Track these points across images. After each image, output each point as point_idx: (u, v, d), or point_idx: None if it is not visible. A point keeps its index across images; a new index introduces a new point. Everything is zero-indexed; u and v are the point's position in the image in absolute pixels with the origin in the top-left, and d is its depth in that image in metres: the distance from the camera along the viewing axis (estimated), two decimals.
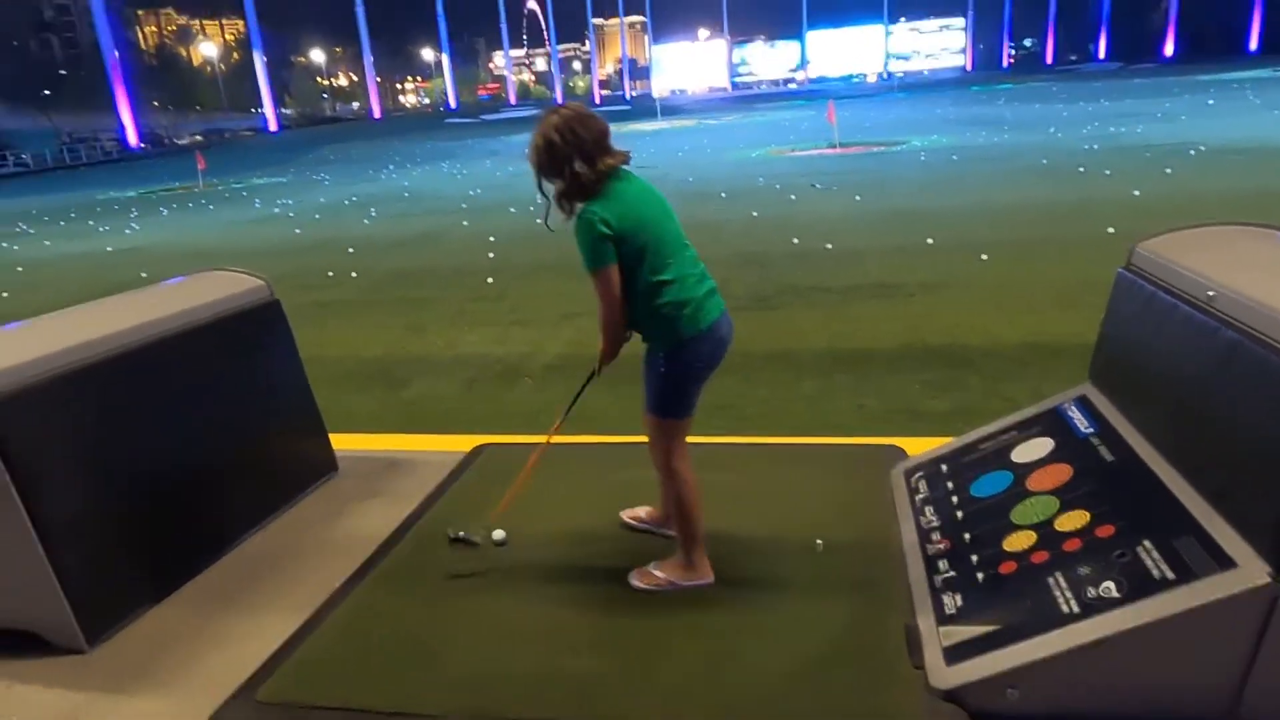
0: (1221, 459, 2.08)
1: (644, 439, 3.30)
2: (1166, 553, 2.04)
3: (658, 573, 2.66)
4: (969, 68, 73.23)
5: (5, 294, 9.57)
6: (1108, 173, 11.87)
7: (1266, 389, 1.94)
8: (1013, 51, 74.29)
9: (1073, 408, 2.93)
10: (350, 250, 10.39)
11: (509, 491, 2.94)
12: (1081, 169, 12.49)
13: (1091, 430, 2.73)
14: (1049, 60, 69.13)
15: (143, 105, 52.70)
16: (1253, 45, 56.28)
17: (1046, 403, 3.08)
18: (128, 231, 15.05)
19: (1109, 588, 2.05)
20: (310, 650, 2.48)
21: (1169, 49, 59.79)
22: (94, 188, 27.40)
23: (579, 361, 5.29)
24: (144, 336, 2.93)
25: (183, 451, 3.02)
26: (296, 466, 3.59)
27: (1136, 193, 9.83)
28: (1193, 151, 13.32)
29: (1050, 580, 2.19)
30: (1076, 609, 2.05)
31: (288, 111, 68.54)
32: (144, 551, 2.81)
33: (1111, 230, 7.74)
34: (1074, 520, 2.37)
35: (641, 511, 3.03)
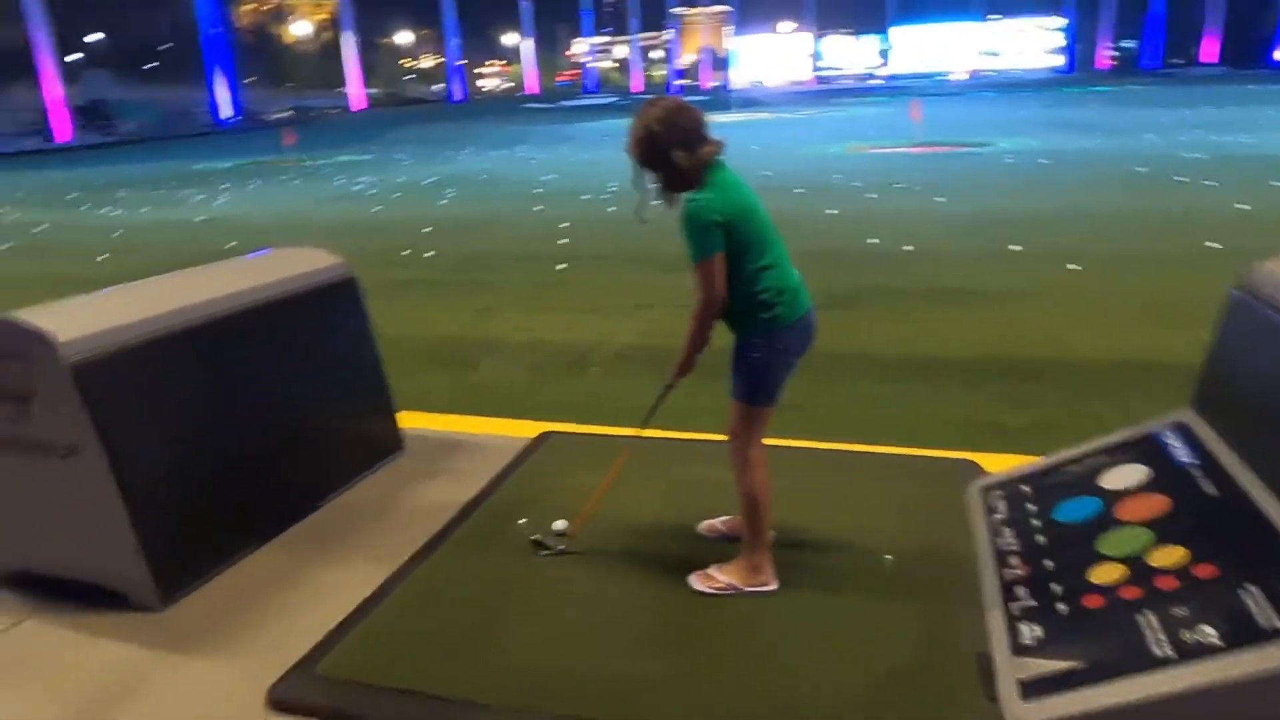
0: None
1: (717, 437, 3.25)
2: (1275, 600, 1.89)
3: (719, 575, 2.61)
4: (1063, 68, 70.48)
5: (104, 257, 10.02)
6: (1210, 184, 11.25)
7: None
8: (1112, 53, 71.12)
9: (1171, 435, 2.75)
10: (426, 230, 10.56)
11: (588, 502, 2.92)
12: (1182, 178, 11.86)
13: (1192, 461, 2.56)
14: (1150, 63, 65.99)
15: (238, 81, 54.65)
16: None
17: (1141, 427, 2.89)
18: (217, 202, 15.62)
19: (1208, 632, 1.90)
20: (371, 627, 2.51)
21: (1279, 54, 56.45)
22: (189, 158, 28.57)
23: (647, 353, 5.25)
24: (227, 307, 3.00)
25: (257, 421, 3.09)
26: (364, 442, 3.65)
27: (1243, 206, 9.28)
28: None
29: (1141, 619, 2.05)
30: (1171, 653, 1.91)
31: (372, 91, 70.18)
32: (218, 517, 2.89)
33: (1214, 245, 7.32)
34: (1170, 556, 2.22)
35: (719, 523, 2.97)
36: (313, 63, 70.01)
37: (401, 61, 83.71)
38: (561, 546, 2.87)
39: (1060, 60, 70.39)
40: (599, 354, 5.32)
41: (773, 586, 2.58)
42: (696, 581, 2.62)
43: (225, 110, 52.66)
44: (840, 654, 2.31)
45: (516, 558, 2.85)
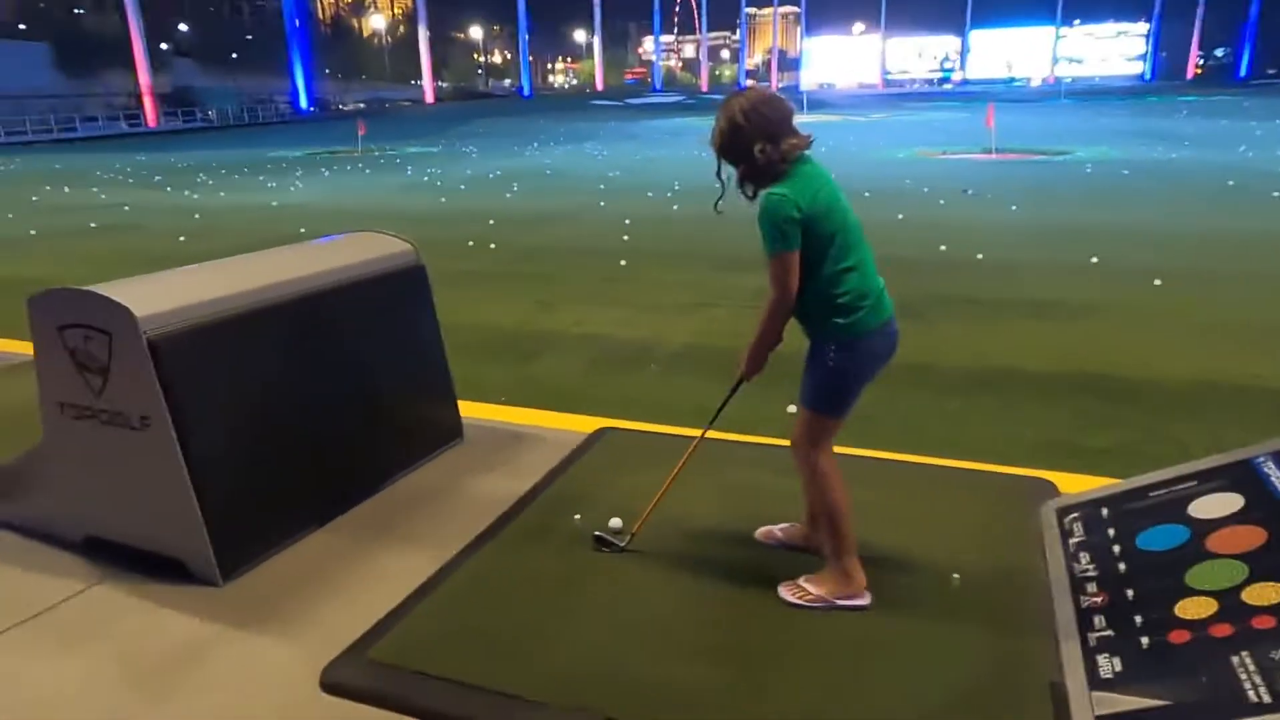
0: None
1: (779, 442, 3.17)
2: None
3: (811, 587, 2.50)
4: (1148, 76, 67.84)
5: (183, 237, 10.37)
6: None
7: None
8: (1201, 61, 68.17)
9: (1270, 463, 2.58)
10: (491, 222, 10.66)
11: (650, 503, 2.86)
12: (1278, 194, 11.27)
13: None
14: (1243, 72, 63.04)
15: (315, 72, 56.22)
16: None
17: (1236, 453, 2.72)
18: (292, 189, 16.05)
19: None
20: (424, 614, 2.50)
21: None
22: (266, 146, 29.47)
23: (706, 353, 5.18)
24: (299, 290, 3.04)
25: (324, 403, 3.12)
26: (426, 429, 3.67)
27: None
28: None
29: (1235, 659, 1.92)
30: (1267, 698, 1.78)
31: (443, 85, 71.41)
32: (282, 495, 2.93)
33: None
34: (1267, 593, 2.07)
35: (778, 530, 2.87)
36: (387, 56, 71.55)
37: (474, 55, 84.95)
38: (623, 544, 2.83)
39: (1140, 67, 67.83)
40: (658, 352, 5.27)
41: (865, 600, 2.46)
42: (786, 592, 2.52)
43: (303, 100, 54.16)
44: (905, 675, 2.21)
45: (570, 554, 2.82)
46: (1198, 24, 65.51)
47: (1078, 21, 69.96)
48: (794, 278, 2.30)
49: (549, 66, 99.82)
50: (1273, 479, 2.52)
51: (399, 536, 2.97)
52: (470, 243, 9.16)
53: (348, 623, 2.44)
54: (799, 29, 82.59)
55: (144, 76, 45.77)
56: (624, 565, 2.75)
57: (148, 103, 45.84)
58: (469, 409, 3.93)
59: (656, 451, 3.66)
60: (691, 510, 3.02)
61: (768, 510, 2.99)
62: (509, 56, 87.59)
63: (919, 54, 77.71)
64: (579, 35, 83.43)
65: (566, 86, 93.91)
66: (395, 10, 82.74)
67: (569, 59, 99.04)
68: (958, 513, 3.03)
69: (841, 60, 78.12)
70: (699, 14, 78.93)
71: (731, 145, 2.32)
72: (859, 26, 79.08)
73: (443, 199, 13.77)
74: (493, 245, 9.01)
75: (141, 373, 2.52)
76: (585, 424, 4.00)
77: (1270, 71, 60.72)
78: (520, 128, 35.32)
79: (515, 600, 2.58)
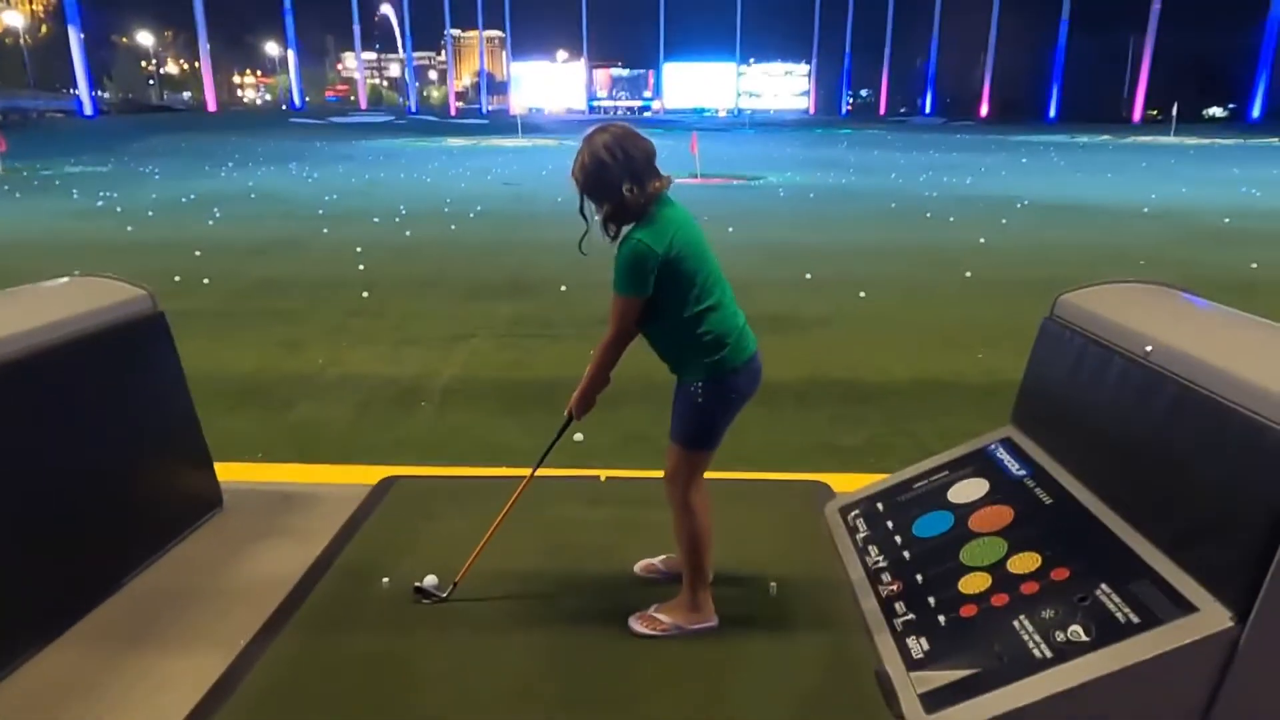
0: (1170, 506, 2.22)
1: (579, 472, 3.19)
2: (1126, 596, 2.14)
3: (662, 617, 2.54)
4: (811, 111, 77.87)
5: None
6: (951, 219, 12.87)
7: (1214, 441, 2.09)
8: (850, 100, 79.73)
9: (1000, 449, 3.07)
10: (198, 253, 9.51)
11: (477, 548, 2.72)
12: (928, 214, 13.47)
13: (1025, 473, 2.86)
14: (883, 110, 74.73)
15: None
16: (1051, 113, 63.90)
17: (973, 443, 3.21)
18: None
19: (1077, 632, 2.12)
20: (233, 714, 2.16)
21: (984, 110, 66.46)
22: None
23: (477, 386, 5.04)
24: (4, 352, 2.48)
25: (48, 485, 2.58)
26: (179, 500, 3.18)
27: (982, 240, 10.70)
28: (1019, 205, 14.70)
29: (1015, 624, 2.25)
30: (1049, 654, 2.11)
31: (106, 95, 62.45)
32: (15, 593, 2.37)
33: (969, 274, 8.37)
34: (1026, 563, 2.46)
35: (659, 561, 2.89)
36: (29, 59, 60.97)
37: (144, 64, 75.32)
38: (445, 595, 2.65)
39: (805, 103, 77.86)
40: (426, 389, 5.02)
41: (714, 622, 2.55)
42: (638, 624, 2.53)
43: None
44: (754, 691, 2.32)
45: (387, 625, 2.59)
46: (847, 67, 76.62)
47: (753, 60, 78.51)
48: (633, 320, 2.35)
49: (238, 80, 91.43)
50: (1005, 462, 3.00)
51: (162, 639, 2.51)
52: (177, 278, 8.09)
53: None
54: (505, 53, 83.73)
55: None
56: (454, 624, 2.58)
57: None
58: (223, 471, 3.47)
59: (452, 496, 3.50)
60: (511, 552, 2.92)
61: (595, 541, 2.98)
62: (187, 67, 78.89)
63: (621, 83, 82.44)
64: (271, 48, 77.37)
65: (259, 102, 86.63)
66: (35, 6, 70.96)
67: (260, 73, 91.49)
68: (754, 523, 3.24)
69: (549, 86, 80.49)
70: (401, 33, 76.96)
71: (597, 183, 2.31)
72: (562, 54, 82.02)
73: (129, 227, 12.02)
74: (206, 280, 8.03)
75: None
76: (364, 475, 3.71)
77: (902, 110, 72.71)
78: (210, 146, 31.91)
79: (336, 691, 2.30)
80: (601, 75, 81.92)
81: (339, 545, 3.06)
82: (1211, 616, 1.95)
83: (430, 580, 2.73)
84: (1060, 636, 2.14)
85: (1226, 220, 12.65)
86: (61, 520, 2.58)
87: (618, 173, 2.29)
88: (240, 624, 2.57)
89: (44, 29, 66.99)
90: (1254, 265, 8.88)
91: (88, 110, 52.79)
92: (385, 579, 2.79)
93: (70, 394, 2.70)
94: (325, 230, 11.58)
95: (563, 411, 2.60)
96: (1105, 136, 43.67)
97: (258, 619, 2.60)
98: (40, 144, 30.92)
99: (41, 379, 2.57)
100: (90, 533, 2.69)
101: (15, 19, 64.04)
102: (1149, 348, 2.41)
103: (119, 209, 14.10)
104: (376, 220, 12.50)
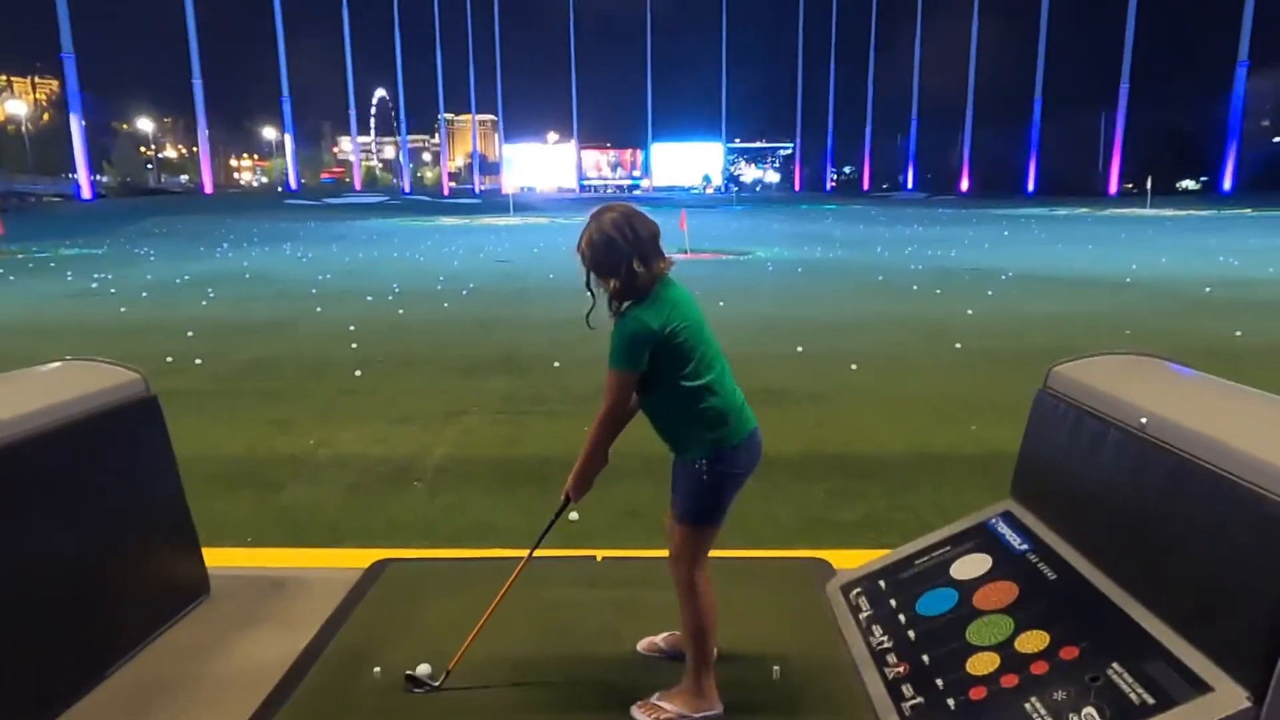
0: (1176, 581, 2.19)
1: (575, 551, 3.14)
2: (1139, 676, 2.09)
3: (665, 705, 2.45)
4: (796, 188, 79.93)
5: None
6: (938, 291, 13.06)
7: (1217, 515, 2.07)
8: (834, 176, 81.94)
9: (1001, 523, 3.04)
10: (190, 334, 9.52)
11: (471, 633, 2.65)
12: (915, 287, 13.67)
13: (1026, 547, 2.83)
14: (866, 186, 76.71)
15: None
16: (1030, 187, 65.77)
17: (973, 517, 3.18)
18: None
19: (1092, 714, 2.06)
20: None
21: (964, 185, 68.35)
22: None
23: (471, 465, 4.99)
24: None
25: (34, 571, 2.51)
26: (165, 588, 3.09)
27: (970, 312, 10.83)
28: (1004, 276, 14.95)
29: (1027, 705, 2.19)
30: None
31: (104, 179, 63.53)
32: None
33: (958, 346, 8.44)
34: (1034, 641, 2.40)
35: (660, 640, 2.82)
36: (30, 145, 62.22)
37: (142, 149, 76.95)
38: (437, 684, 2.57)
39: (791, 180, 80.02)
40: (418, 468, 4.97)
41: (719, 709, 2.46)
42: (640, 713, 2.45)
43: None
44: None
45: (381, 718, 2.49)
46: (830, 146, 78.97)
47: (738, 139, 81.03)
48: (627, 395, 2.36)
49: (235, 163, 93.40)
50: (1007, 537, 2.96)
51: (161, 717, 2.43)
52: (169, 358, 8.08)
53: None
54: (497, 135, 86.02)
55: None
56: (448, 715, 2.49)
57: None
58: (211, 556, 3.39)
59: (446, 579, 3.43)
60: (506, 636, 2.84)
61: (593, 625, 2.91)
62: (185, 151, 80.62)
63: (609, 163, 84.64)
64: (268, 132, 79.27)
65: (255, 184, 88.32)
66: (39, 95, 72.81)
67: (256, 156, 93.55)
68: (755, 602, 3.17)
69: (540, 166, 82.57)
70: (397, 116, 79.10)
71: (605, 260, 2.34)
72: (553, 136, 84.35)
73: (122, 308, 12.07)
74: (198, 360, 8.02)
75: None
76: (355, 559, 3.63)
77: (884, 186, 74.67)
78: (205, 227, 32.37)
79: None
80: (591, 156, 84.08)
81: (329, 632, 2.98)
82: (1228, 696, 1.90)
83: (423, 669, 2.64)
84: (1074, 719, 2.08)
85: (1208, 289, 12.88)
86: (45, 609, 2.51)
87: (625, 250, 2.32)
88: (228, 715, 2.47)
89: (45, 116, 68.62)
90: (1238, 333, 9.00)
91: (85, 194, 53.60)
92: (377, 669, 2.70)
93: (59, 480, 2.65)
94: (319, 309, 11.65)
95: (558, 489, 2.58)
96: (1083, 209, 44.87)
97: (245, 710, 2.50)
98: (37, 227, 31.31)
99: (31, 466, 2.53)
100: (75, 622, 2.61)
101: (18, 107, 65.64)
102: (1144, 419, 2.42)
103: (113, 290, 14.19)
104: (370, 299, 12.59)
